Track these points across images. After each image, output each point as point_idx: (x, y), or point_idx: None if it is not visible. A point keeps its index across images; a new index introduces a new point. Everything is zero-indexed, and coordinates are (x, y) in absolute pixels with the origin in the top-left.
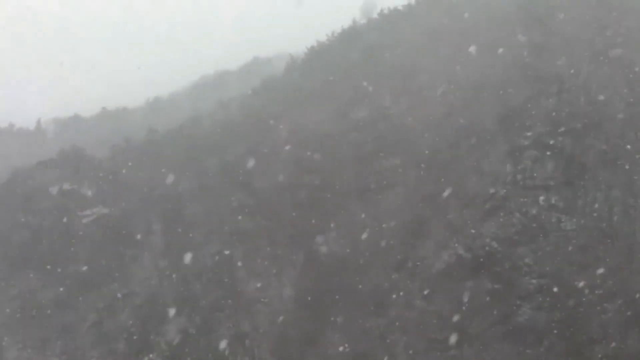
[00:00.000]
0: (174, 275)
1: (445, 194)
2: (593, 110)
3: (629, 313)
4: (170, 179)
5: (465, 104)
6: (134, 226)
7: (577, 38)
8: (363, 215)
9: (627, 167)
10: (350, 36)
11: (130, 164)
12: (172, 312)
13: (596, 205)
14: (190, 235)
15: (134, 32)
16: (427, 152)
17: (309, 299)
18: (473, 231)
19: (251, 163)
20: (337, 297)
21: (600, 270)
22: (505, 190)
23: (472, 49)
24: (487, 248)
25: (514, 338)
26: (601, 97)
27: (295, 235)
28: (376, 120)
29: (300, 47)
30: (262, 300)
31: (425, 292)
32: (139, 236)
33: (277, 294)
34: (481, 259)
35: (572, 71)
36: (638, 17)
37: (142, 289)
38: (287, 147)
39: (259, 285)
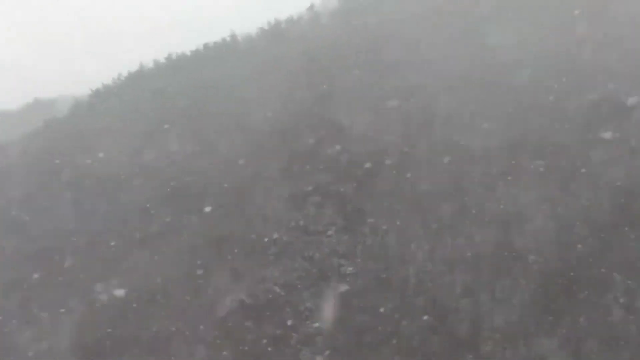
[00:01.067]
0: None
1: (230, 239)
2: (371, 158)
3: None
4: None
5: (252, 150)
6: None
7: (358, 89)
8: (146, 262)
9: (402, 213)
10: (137, 79)
11: None
12: None
13: (374, 250)
14: None
15: None
16: (213, 197)
17: (87, 349)
18: (256, 276)
19: (28, 207)
20: (117, 345)
21: (381, 310)
22: (288, 236)
23: (267, 91)
24: (270, 294)
25: None
26: (379, 146)
27: (74, 284)
28: (163, 165)
29: (85, 90)
30: (36, 350)
31: (209, 339)
32: None
33: (52, 345)
34: (263, 305)
35: (352, 120)
36: (412, 70)
37: None
38: (68, 193)
39: (32, 335)
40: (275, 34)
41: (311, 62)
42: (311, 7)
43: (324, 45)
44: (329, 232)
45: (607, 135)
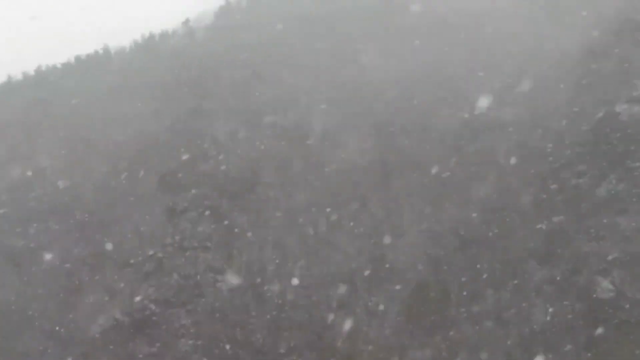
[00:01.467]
0: None
1: (104, 256)
2: (247, 173)
3: None
4: None
5: (125, 166)
6: None
7: (234, 104)
8: (16, 281)
9: (279, 228)
10: (3, 92)
11: None
12: None
13: (250, 265)
14: None
15: None
16: (87, 214)
17: None
18: (131, 294)
19: None
20: None
21: (257, 325)
22: (163, 252)
23: (141, 106)
24: (145, 311)
25: None
26: (255, 161)
27: None
28: (32, 180)
29: None
30: None
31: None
32: None
33: None
34: (138, 322)
35: (228, 135)
36: (287, 86)
37: None
38: None
39: None
40: (149, 47)
41: (186, 77)
42: (186, 21)
43: (199, 60)
44: (205, 248)
45: (473, 149)
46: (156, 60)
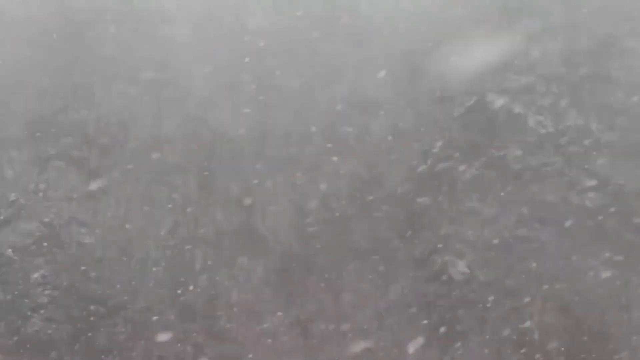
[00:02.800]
0: None
1: None
2: (120, 127)
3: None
4: None
5: None
6: None
7: (115, 58)
8: None
9: (148, 185)
10: None
11: None
12: None
13: (116, 221)
14: None
15: None
16: None
17: None
18: None
19: None
20: None
21: (118, 280)
22: (26, 199)
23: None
24: (1, 259)
25: (24, 349)
26: (129, 117)
27: None
28: None
29: None
30: None
31: None
32: None
33: None
34: None
35: (104, 88)
36: (169, 43)
37: None
38: None
39: None
40: None
41: (67, 25)
42: None
43: (82, 9)
44: (70, 199)
45: (349, 130)
46: (36, 5)
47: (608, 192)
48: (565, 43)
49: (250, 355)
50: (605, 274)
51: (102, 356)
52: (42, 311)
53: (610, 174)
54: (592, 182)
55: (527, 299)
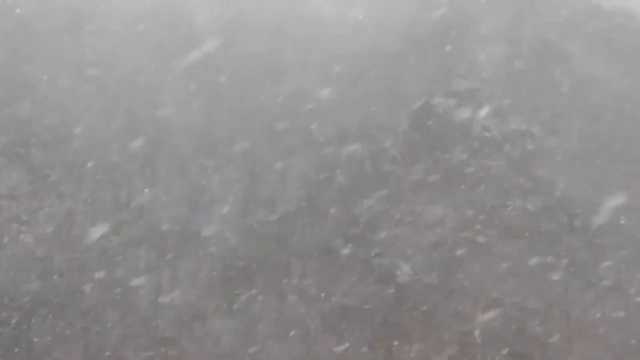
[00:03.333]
0: None
1: None
2: (63, 124)
3: None
4: None
5: None
6: None
7: (63, 53)
8: None
9: (92, 185)
10: None
11: None
12: None
13: (58, 219)
14: None
15: None
16: None
17: None
18: None
19: None
20: None
21: (56, 277)
22: None
23: None
24: None
25: None
26: (74, 113)
27: None
28: None
29: None
30: None
31: None
32: None
33: None
34: None
35: (49, 83)
36: (116, 38)
37: None
38: None
39: None
40: None
41: (12, 22)
42: None
43: (27, 4)
44: (11, 196)
45: (295, 131)
46: None
47: (550, 196)
48: (510, 48)
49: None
50: (548, 277)
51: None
52: None
53: (552, 178)
54: (535, 186)
55: (470, 302)
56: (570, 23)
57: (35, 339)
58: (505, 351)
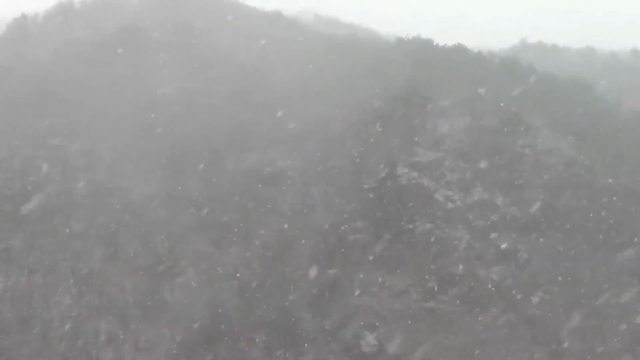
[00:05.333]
0: None
1: None
2: (23, 195)
3: None
4: None
5: None
6: None
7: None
8: None
9: (53, 254)
10: None
11: None
12: None
13: (18, 290)
14: None
15: None
16: None
17: None
18: None
19: None
20: None
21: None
22: None
23: None
24: None
25: None
26: (35, 183)
27: None
28: None
29: None
30: None
31: None
32: None
33: None
34: None
35: (10, 153)
36: (80, 110)
37: None
38: None
39: None
40: None
41: None
42: None
43: None
44: None
45: (264, 194)
46: None
47: (513, 265)
48: (472, 120)
49: None
50: (513, 346)
51: None
52: None
53: (515, 247)
54: (498, 256)
55: None
56: (531, 95)
57: None
58: None
